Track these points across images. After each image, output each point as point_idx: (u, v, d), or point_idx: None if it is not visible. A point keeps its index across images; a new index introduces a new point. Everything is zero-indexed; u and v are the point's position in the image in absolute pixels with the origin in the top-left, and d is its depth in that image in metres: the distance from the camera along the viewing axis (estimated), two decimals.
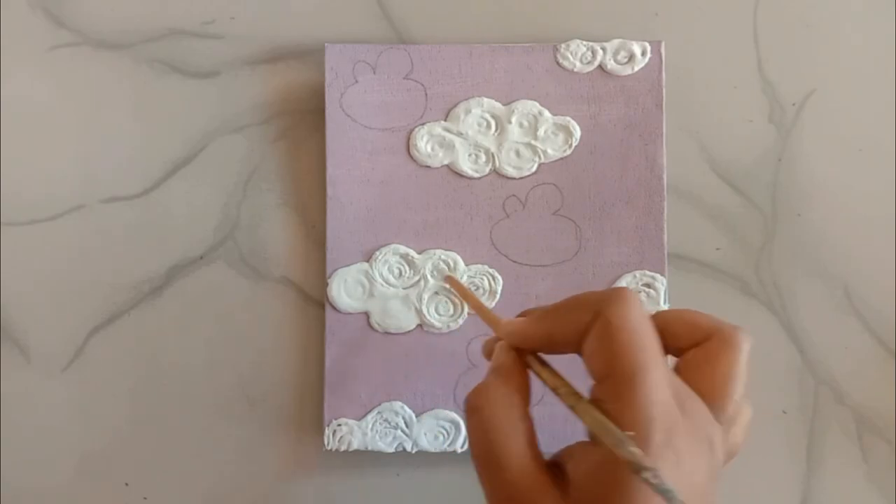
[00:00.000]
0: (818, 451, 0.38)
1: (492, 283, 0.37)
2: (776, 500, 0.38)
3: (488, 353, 0.28)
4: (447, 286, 0.37)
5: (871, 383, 0.38)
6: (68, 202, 0.39)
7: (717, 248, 0.39)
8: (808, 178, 0.39)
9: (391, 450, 0.37)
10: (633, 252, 0.37)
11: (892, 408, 0.38)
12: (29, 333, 0.38)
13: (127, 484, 0.38)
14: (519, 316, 0.28)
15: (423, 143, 0.38)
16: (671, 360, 0.26)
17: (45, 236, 0.39)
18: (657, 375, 0.22)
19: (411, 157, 0.38)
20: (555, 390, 0.25)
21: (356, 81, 0.38)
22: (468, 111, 0.38)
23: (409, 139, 0.38)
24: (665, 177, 0.38)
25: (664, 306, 0.37)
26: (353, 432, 0.37)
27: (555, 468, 0.24)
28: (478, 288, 0.37)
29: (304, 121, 0.39)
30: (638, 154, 0.38)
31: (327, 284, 0.37)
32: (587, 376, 0.24)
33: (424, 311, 0.37)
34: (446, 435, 0.37)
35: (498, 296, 0.37)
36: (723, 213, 0.39)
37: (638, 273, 0.37)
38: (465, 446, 0.37)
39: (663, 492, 0.20)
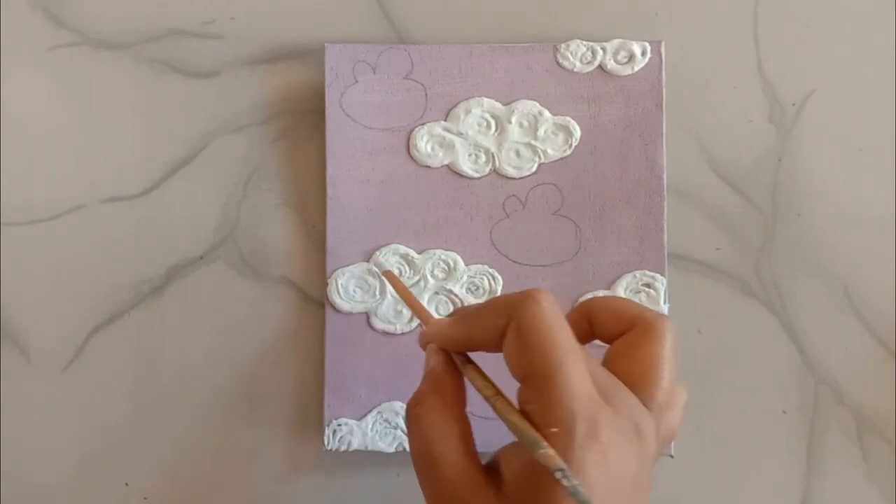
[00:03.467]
0: (818, 451, 0.38)
1: (492, 283, 0.37)
2: (776, 500, 0.38)
3: (423, 344, 0.28)
4: (385, 279, 0.36)
5: (871, 383, 0.38)
6: (68, 202, 0.39)
7: (717, 248, 0.39)
8: (808, 178, 0.39)
9: (391, 450, 0.37)
10: (633, 252, 0.37)
11: (892, 408, 0.38)
12: (29, 333, 0.38)
13: (127, 484, 0.38)
14: (448, 315, 0.28)
15: (423, 143, 0.38)
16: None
17: (45, 236, 0.39)
18: (574, 370, 0.23)
19: (411, 157, 0.38)
20: (480, 391, 0.25)
21: (356, 81, 0.38)
22: (468, 111, 0.38)
23: (409, 139, 0.38)
24: (665, 177, 0.38)
25: (664, 306, 0.37)
26: (353, 432, 0.37)
27: (491, 469, 0.25)
28: (478, 288, 0.37)
29: (304, 121, 0.39)
30: (638, 154, 0.38)
31: (327, 284, 0.37)
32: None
33: None
34: None
35: (497, 296, 0.37)
36: (723, 213, 0.39)
37: (638, 273, 0.37)
38: None
39: (574, 493, 0.20)
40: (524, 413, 0.24)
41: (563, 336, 0.23)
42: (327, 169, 0.38)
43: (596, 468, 0.22)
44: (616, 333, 0.27)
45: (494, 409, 0.24)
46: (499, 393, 0.25)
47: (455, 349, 0.27)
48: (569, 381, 0.23)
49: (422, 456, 0.25)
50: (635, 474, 0.23)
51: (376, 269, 0.37)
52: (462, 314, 0.27)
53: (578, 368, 0.23)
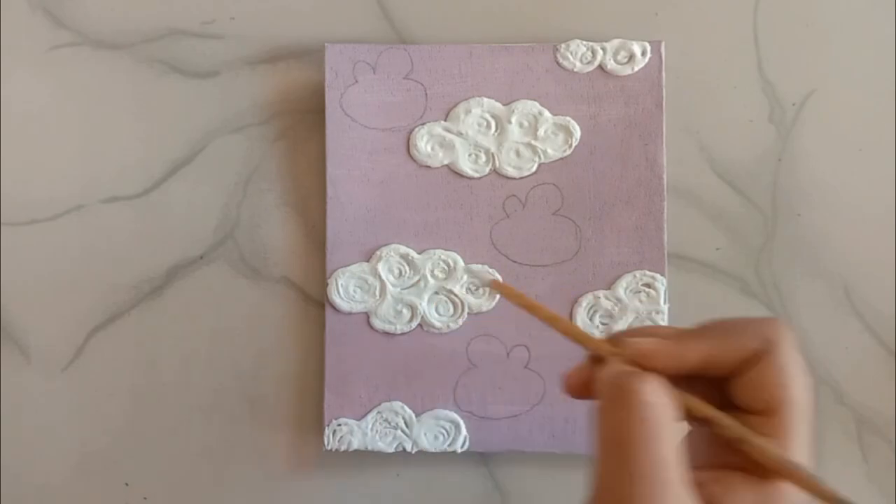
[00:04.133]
0: (818, 451, 0.38)
1: None
2: None
3: (575, 385, 0.23)
4: (494, 291, 0.35)
5: (871, 383, 0.38)
6: (68, 202, 0.39)
7: (717, 248, 0.39)
8: (808, 178, 0.39)
9: (391, 450, 0.37)
10: (633, 252, 0.37)
11: (892, 408, 0.38)
12: (29, 333, 0.38)
13: (127, 484, 0.38)
14: (630, 335, 0.23)
15: (423, 143, 0.38)
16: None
17: (45, 236, 0.39)
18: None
19: (411, 157, 0.38)
20: (712, 421, 0.22)
21: (356, 81, 0.38)
22: (468, 111, 0.38)
23: (409, 139, 0.38)
24: (665, 177, 0.37)
25: (664, 306, 0.37)
26: (353, 432, 0.37)
27: (698, 488, 0.21)
28: (478, 288, 0.37)
29: (304, 121, 0.39)
30: (638, 154, 0.38)
31: (327, 284, 0.37)
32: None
33: (424, 311, 0.37)
34: (446, 435, 0.37)
35: (498, 296, 0.37)
36: (723, 213, 0.39)
37: (638, 273, 0.37)
38: (465, 446, 0.37)
39: None
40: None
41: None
42: (327, 169, 0.38)
43: None
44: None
45: (746, 444, 0.21)
46: (744, 427, 0.22)
47: (680, 369, 0.22)
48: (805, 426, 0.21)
49: (626, 442, 0.20)
50: None
51: (476, 282, 0.35)
52: (693, 333, 0.23)
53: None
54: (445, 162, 0.38)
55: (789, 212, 0.39)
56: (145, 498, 0.38)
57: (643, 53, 0.37)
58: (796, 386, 0.21)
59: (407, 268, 0.37)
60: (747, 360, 0.22)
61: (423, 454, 0.37)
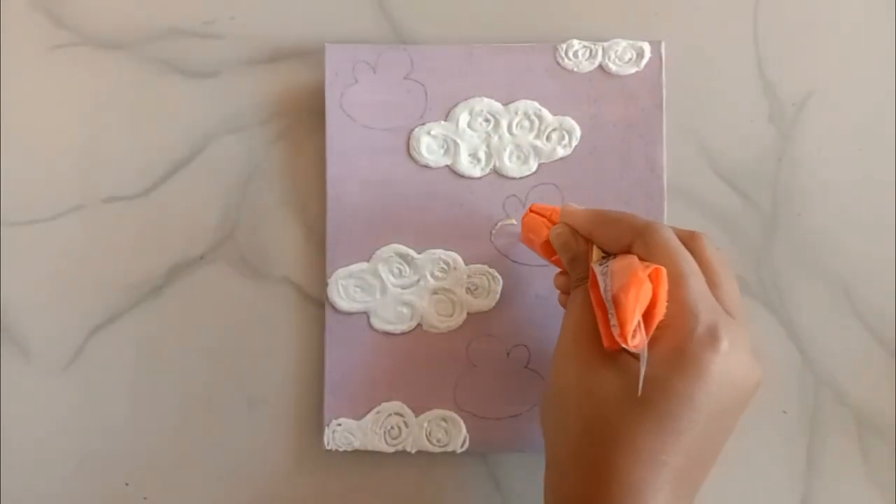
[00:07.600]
0: (818, 451, 0.38)
1: (492, 283, 0.37)
2: (776, 500, 0.38)
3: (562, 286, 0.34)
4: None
5: (871, 383, 0.38)
6: (68, 202, 0.39)
7: (717, 249, 0.39)
8: (808, 178, 0.39)
9: (391, 450, 0.37)
10: None
11: (892, 408, 0.38)
12: (29, 333, 0.38)
13: (127, 484, 0.38)
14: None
15: (423, 143, 0.38)
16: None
17: (45, 236, 0.39)
18: (697, 283, 0.27)
19: (411, 157, 0.38)
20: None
21: (356, 81, 0.38)
22: (468, 111, 0.38)
23: (409, 139, 0.38)
24: (665, 177, 0.38)
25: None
26: (353, 432, 0.37)
27: None
28: (477, 288, 0.37)
29: (304, 121, 0.39)
30: (638, 154, 0.38)
31: (327, 284, 0.37)
32: None
33: (424, 311, 0.37)
34: (446, 435, 0.37)
35: (498, 296, 0.37)
36: (723, 213, 0.39)
37: None
38: (465, 446, 0.37)
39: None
40: None
41: (688, 255, 0.28)
42: (327, 169, 0.38)
43: (713, 367, 0.25)
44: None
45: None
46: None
47: (583, 236, 0.32)
48: (691, 288, 0.27)
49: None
50: (748, 392, 0.27)
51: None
52: (593, 214, 0.31)
53: (700, 284, 0.27)
54: (445, 162, 0.38)
55: (789, 212, 0.39)
56: (145, 498, 0.38)
57: (643, 53, 0.37)
58: (660, 256, 0.28)
59: (407, 268, 0.37)
60: (627, 244, 0.29)
61: (423, 454, 0.37)
